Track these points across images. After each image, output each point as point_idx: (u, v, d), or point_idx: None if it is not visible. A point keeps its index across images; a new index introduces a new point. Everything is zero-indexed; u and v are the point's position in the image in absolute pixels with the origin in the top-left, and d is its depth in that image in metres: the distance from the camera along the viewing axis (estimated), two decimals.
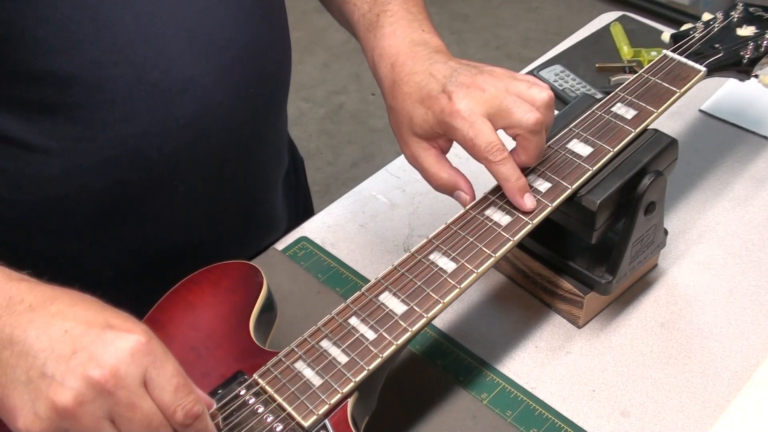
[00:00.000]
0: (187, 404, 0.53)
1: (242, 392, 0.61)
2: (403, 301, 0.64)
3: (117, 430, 0.51)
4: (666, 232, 0.80)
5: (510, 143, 0.69)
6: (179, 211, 0.80)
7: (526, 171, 0.71)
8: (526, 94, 0.68)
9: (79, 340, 0.51)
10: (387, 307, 0.64)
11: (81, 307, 0.53)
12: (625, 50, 1.11)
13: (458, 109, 0.67)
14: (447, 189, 0.71)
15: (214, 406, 0.58)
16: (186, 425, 0.53)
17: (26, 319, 0.52)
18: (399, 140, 0.73)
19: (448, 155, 0.72)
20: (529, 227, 0.67)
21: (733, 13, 0.87)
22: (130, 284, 0.81)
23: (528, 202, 0.68)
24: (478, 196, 0.71)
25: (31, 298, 0.54)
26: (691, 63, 0.80)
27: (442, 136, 0.70)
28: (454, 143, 0.71)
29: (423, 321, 0.63)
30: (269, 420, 0.59)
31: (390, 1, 0.78)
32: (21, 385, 0.51)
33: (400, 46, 0.74)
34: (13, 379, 0.51)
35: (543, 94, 0.68)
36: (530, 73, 1.09)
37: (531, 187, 0.70)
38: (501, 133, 0.69)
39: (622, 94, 0.77)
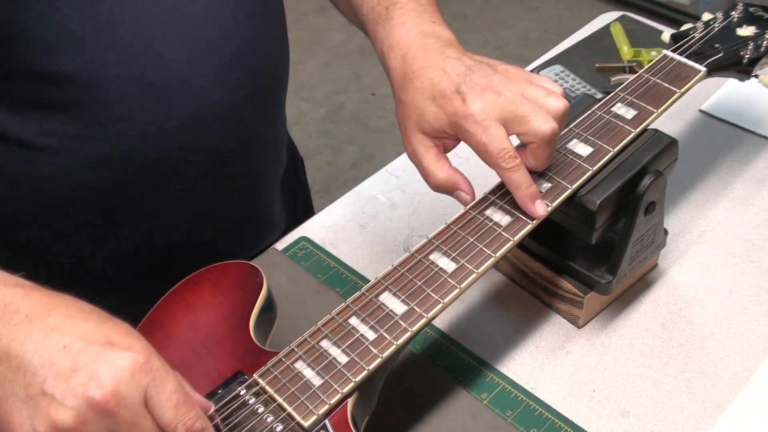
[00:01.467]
0: (188, 420, 0.53)
1: (242, 392, 0.61)
2: (403, 301, 0.64)
3: None
4: (666, 232, 0.80)
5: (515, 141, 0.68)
6: (178, 210, 0.80)
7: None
8: (542, 102, 0.66)
9: (78, 357, 0.51)
10: (387, 307, 0.64)
11: (79, 319, 0.53)
12: (625, 50, 1.11)
13: (472, 112, 0.66)
14: (445, 189, 0.70)
15: (212, 409, 0.58)
16: None
17: (23, 331, 0.51)
18: (403, 134, 0.72)
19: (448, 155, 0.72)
20: (529, 227, 0.67)
21: (733, 13, 0.87)
22: (130, 283, 0.81)
23: (539, 208, 0.67)
24: (478, 196, 0.71)
25: (27, 306, 0.53)
26: (691, 63, 0.80)
27: (450, 137, 0.69)
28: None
29: (423, 321, 0.63)
30: (269, 420, 0.59)
31: None
32: (19, 401, 0.50)
33: (411, 37, 0.72)
34: (11, 393, 0.51)
35: (559, 103, 0.66)
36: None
37: None
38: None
39: (622, 94, 0.77)
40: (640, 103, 0.76)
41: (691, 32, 0.84)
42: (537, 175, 0.71)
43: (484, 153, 0.66)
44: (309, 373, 0.61)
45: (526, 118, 0.65)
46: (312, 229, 0.90)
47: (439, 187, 0.70)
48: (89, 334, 0.52)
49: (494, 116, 0.66)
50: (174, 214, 0.80)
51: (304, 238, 0.89)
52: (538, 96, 0.66)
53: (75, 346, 0.51)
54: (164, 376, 0.52)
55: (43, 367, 0.50)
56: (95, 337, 0.52)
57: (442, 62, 0.69)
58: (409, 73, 0.70)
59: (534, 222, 0.67)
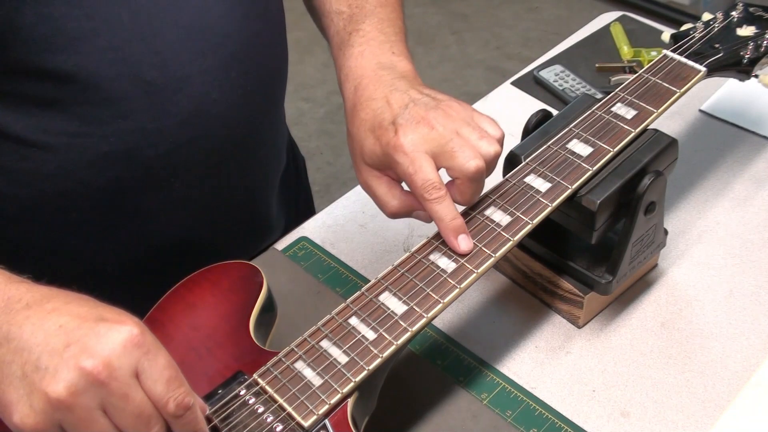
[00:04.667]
0: (178, 395, 0.53)
1: (242, 392, 0.61)
2: (403, 301, 0.64)
3: (109, 420, 0.52)
4: (666, 232, 0.80)
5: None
6: (177, 209, 0.80)
7: (525, 169, 0.72)
8: (474, 143, 0.66)
9: (72, 333, 0.52)
10: (387, 307, 0.64)
11: (76, 304, 0.54)
12: (625, 50, 1.11)
13: (402, 143, 0.66)
14: (401, 215, 0.70)
15: (207, 411, 0.58)
16: (177, 416, 0.53)
17: (23, 316, 0.53)
18: (354, 166, 0.72)
19: None
20: (529, 227, 0.67)
21: (733, 13, 0.87)
22: (130, 283, 0.81)
23: (462, 244, 0.66)
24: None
25: (28, 297, 0.54)
26: (691, 63, 0.80)
27: (389, 168, 0.69)
28: None
29: (423, 321, 0.63)
30: (269, 420, 0.59)
31: (364, 20, 0.77)
32: (16, 380, 0.51)
33: (366, 68, 0.73)
34: (8, 374, 0.52)
35: (490, 148, 0.66)
36: (530, 73, 1.09)
37: (531, 187, 0.70)
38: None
39: (622, 94, 0.77)
40: (640, 103, 0.76)
41: (691, 32, 0.84)
42: (537, 175, 0.71)
43: (410, 183, 0.67)
44: (309, 373, 0.61)
45: (453, 153, 0.66)
46: (312, 229, 0.90)
47: (394, 215, 0.70)
48: (84, 314, 0.53)
49: (424, 149, 0.66)
50: (173, 213, 0.80)
51: (304, 238, 0.89)
52: (472, 137, 0.67)
53: (70, 325, 0.52)
54: (156, 351, 0.53)
55: (38, 345, 0.52)
56: (89, 315, 0.53)
57: (388, 94, 0.70)
58: (357, 104, 0.71)
59: (534, 222, 0.68)
